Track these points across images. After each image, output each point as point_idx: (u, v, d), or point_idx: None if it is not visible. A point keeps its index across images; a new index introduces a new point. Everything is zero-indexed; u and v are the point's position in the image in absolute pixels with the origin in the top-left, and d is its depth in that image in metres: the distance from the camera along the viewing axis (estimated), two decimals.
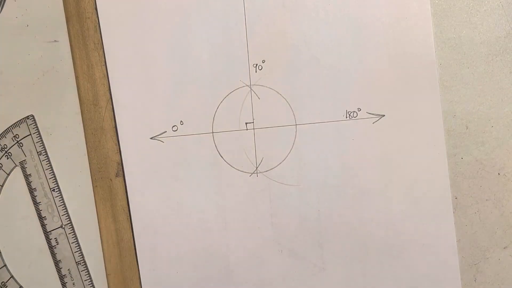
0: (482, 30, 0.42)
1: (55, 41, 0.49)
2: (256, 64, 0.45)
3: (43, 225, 0.49)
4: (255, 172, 0.46)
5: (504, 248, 0.43)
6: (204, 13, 0.46)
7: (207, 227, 0.47)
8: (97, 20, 0.48)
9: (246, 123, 0.46)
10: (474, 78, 0.43)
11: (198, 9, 0.46)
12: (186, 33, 0.46)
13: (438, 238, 0.44)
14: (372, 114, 0.45)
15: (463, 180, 0.43)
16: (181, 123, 0.47)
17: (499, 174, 0.42)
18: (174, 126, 0.47)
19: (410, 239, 0.44)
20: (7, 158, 0.50)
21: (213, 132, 0.46)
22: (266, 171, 0.45)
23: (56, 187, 0.49)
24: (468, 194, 0.42)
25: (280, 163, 0.45)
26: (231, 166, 0.46)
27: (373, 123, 0.44)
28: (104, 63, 0.48)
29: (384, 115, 0.44)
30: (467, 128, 0.43)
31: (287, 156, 0.45)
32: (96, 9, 0.47)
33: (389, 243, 0.44)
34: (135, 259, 0.48)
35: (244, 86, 0.46)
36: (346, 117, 0.45)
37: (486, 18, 0.42)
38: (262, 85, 0.45)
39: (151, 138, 0.47)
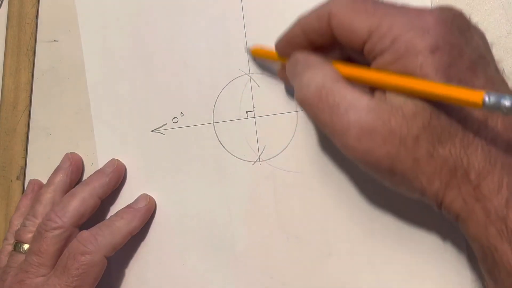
0: (483, 30, 0.42)
1: (54, 41, 0.49)
2: None
3: None
4: (258, 160, 0.45)
5: None
6: (202, 3, 0.46)
7: (212, 217, 0.46)
8: (35, 26, 0.49)
9: (246, 112, 0.45)
10: None
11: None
12: (184, 23, 0.47)
13: (444, 219, 0.43)
14: None
15: None
16: (182, 114, 0.47)
17: None
18: (174, 118, 0.47)
19: (415, 222, 0.43)
20: None
21: (213, 122, 0.46)
22: (269, 159, 0.45)
23: None
24: None
25: (282, 151, 0.45)
26: (233, 155, 0.46)
27: None
28: (31, 70, 0.49)
29: None
30: None
31: (289, 143, 0.45)
32: (37, 16, 0.49)
33: (395, 226, 0.43)
34: None
35: (243, 75, 0.46)
36: None
37: (486, 18, 0.42)
38: (261, 73, 0.45)
39: (152, 131, 0.47)
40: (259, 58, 0.45)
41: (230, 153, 0.46)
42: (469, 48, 0.33)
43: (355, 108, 0.33)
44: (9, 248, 0.46)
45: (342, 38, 0.35)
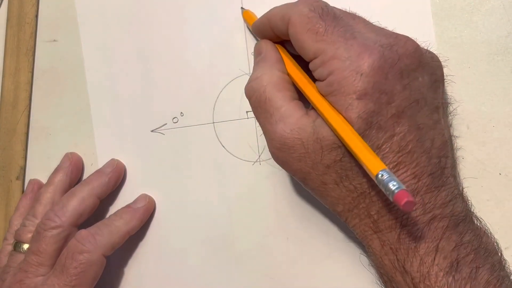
0: (483, 30, 0.42)
1: (54, 40, 0.50)
2: None
3: None
4: (258, 160, 0.45)
5: (505, 248, 0.42)
6: (202, 3, 0.46)
7: (212, 217, 0.46)
8: (35, 26, 0.49)
9: (246, 112, 0.46)
10: (475, 78, 0.42)
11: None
12: (184, 23, 0.47)
13: None
14: None
15: (464, 180, 0.42)
16: (182, 114, 0.47)
17: (500, 174, 0.42)
18: (174, 117, 0.47)
19: None
20: None
21: (213, 122, 0.46)
22: (269, 159, 0.45)
23: None
24: (469, 194, 0.41)
25: None
26: (233, 155, 0.46)
27: None
28: (31, 70, 0.49)
29: None
30: (468, 128, 0.42)
31: None
32: (36, 16, 0.49)
33: None
34: None
35: (243, 75, 0.46)
36: None
37: (487, 18, 0.42)
38: None
39: (152, 131, 0.47)
40: (247, 23, 0.45)
41: (230, 153, 0.46)
42: (405, 93, 0.34)
43: (284, 123, 0.36)
44: (9, 248, 0.47)
45: (295, 46, 0.36)
